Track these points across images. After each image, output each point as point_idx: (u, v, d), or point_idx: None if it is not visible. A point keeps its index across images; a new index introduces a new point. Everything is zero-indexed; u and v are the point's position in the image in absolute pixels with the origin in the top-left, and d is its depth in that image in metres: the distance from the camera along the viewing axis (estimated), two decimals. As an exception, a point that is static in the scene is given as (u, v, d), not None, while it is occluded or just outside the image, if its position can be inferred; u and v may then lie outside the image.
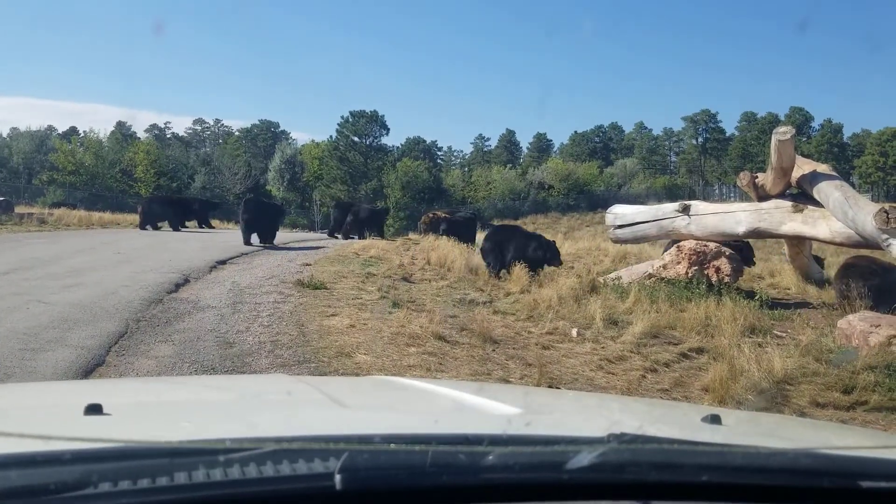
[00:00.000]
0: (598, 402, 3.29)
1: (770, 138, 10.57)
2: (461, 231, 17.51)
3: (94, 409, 1.53)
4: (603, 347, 7.78)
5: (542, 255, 12.17)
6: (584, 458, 1.14)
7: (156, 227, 22.57)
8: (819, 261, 14.75)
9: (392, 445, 1.17)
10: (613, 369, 7.04)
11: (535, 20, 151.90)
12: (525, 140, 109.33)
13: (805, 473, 1.25)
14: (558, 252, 12.59)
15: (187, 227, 23.61)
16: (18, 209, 26.74)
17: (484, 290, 11.04)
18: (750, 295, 10.45)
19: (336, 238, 20.71)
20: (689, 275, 11.11)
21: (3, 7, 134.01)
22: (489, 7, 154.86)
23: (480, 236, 19.65)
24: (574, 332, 8.35)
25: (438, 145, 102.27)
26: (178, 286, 9.94)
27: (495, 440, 1.23)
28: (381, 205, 36.43)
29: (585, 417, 2.17)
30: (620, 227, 13.33)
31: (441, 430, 1.49)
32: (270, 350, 6.78)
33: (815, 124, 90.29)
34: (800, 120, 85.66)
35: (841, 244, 10.68)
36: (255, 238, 16.64)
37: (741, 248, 12.21)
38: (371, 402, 2.24)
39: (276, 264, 12.90)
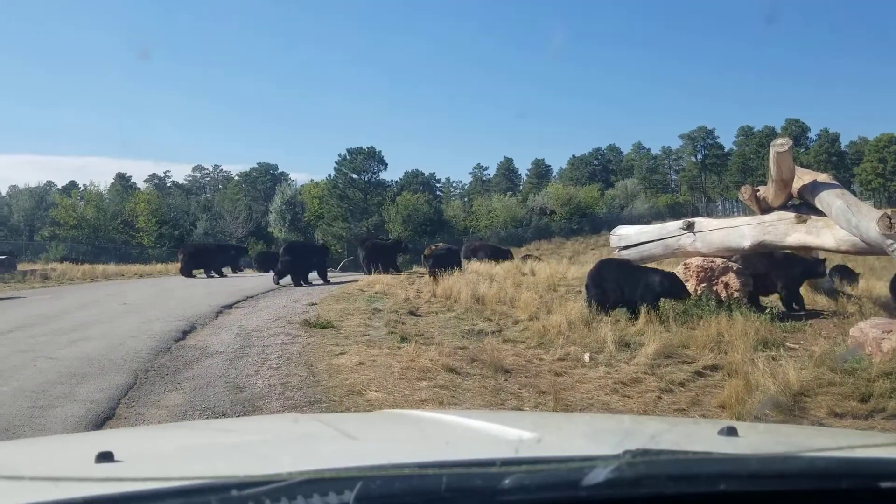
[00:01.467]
0: (611, 421, 3.25)
1: (768, 151, 10.57)
2: (446, 262, 17.30)
3: (106, 457, 1.51)
4: (616, 371, 7.71)
5: (666, 289, 10.49)
6: (600, 474, 1.13)
7: (209, 274, 23.45)
8: (851, 273, 14.80)
9: (406, 471, 1.15)
10: (629, 392, 6.96)
11: (527, 48, 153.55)
12: (524, 167, 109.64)
13: (823, 476, 1.24)
14: (682, 283, 10.90)
15: (238, 273, 25.24)
16: (21, 266, 26.80)
17: (492, 320, 10.99)
18: (760, 309, 10.39)
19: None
20: (698, 292, 11.04)
21: None
22: (480, 37, 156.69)
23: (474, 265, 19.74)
24: (586, 356, 8.28)
25: (437, 177, 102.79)
26: (185, 333, 9.91)
27: (509, 462, 1.21)
28: (385, 238, 35.72)
29: (598, 436, 2.14)
30: (625, 248, 13.30)
31: (453, 455, 1.47)
32: (281, 392, 6.73)
33: (812, 135, 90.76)
34: (796, 131, 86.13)
35: (846, 252, 10.64)
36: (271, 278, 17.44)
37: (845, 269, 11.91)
38: (383, 435, 2.22)
39: (282, 305, 12.88)
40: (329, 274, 20.07)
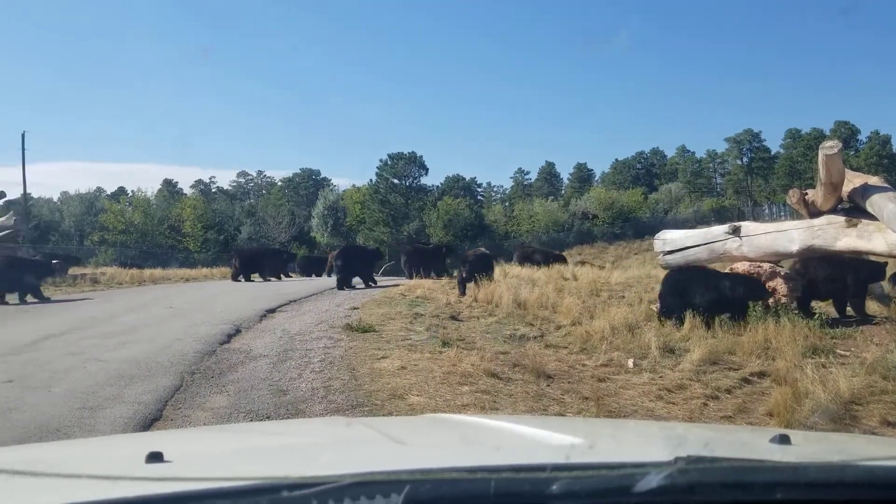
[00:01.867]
0: (661, 428, 3.20)
1: (817, 154, 10.37)
2: (480, 267, 15.70)
3: (155, 457, 1.53)
4: (661, 377, 7.61)
5: (744, 293, 10.21)
6: (652, 481, 1.11)
7: (248, 279, 23.88)
8: None
9: (454, 475, 1.14)
10: (673, 399, 6.87)
11: (569, 52, 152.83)
12: (565, 171, 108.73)
13: (882, 486, 1.21)
14: (762, 284, 10.57)
15: (290, 277, 25.79)
16: (72, 270, 27.36)
17: (534, 325, 10.94)
18: (811, 315, 10.17)
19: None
20: (744, 297, 10.85)
21: (48, 75, 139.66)
22: (521, 42, 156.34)
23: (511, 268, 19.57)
24: (630, 362, 8.19)
25: (478, 182, 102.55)
26: (229, 337, 10.04)
27: (559, 467, 1.19)
28: (426, 242, 35.60)
29: (649, 442, 2.11)
30: (670, 252, 13.15)
31: (502, 460, 1.45)
32: (323, 396, 6.77)
33: (863, 137, 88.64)
34: (846, 133, 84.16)
35: (899, 256, 10.38)
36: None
37: None
38: (429, 439, 2.21)
39: (325, 309, 12.98)
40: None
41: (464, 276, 14.75)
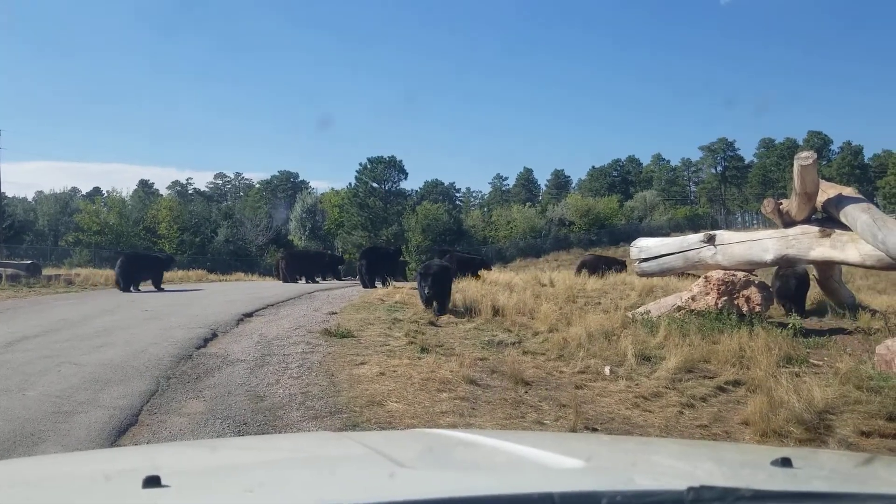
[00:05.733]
0: (656, 446, 3.18)
1: (790, 164, 10.50)
2: (442, 283, 13.41)
3: (153, 482, 1.51)
4: (637, 384, 7.65)
5: None
6: None
7: (294, 281, 24.42)
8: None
9: None
10: (649, 406, 6.91)
11: (545, 58, 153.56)
12: (543, 178, 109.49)
13: None
14: None
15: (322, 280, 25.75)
16: (46, 271, 26.96)
17: (512, 331, 10.96)
18: (782, 324, 10.29)
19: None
20: (719, 306, 10.96)
21: (25, 73, 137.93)
22: (499, 46, 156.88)
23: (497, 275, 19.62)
24: (606, 370, 8.24)
25: (457, 187, 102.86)
26: (206, 341, 9.96)
27: (568, 497, 1.19)
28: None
29: (655, 468, 2.09)
30: (645, 260, 13.23)
31: (508, 487, 1.43)
32: (301, 402, 6.73)
33: (835, 147, 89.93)
34: (819, 143, 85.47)
35: (871, 267, 10.52)
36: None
37: None
38: (426, 459, 2.18)
39: (302, 314, 12.91)
40: (343, 282, 21.06)
41: (427, 293, 13.13)
